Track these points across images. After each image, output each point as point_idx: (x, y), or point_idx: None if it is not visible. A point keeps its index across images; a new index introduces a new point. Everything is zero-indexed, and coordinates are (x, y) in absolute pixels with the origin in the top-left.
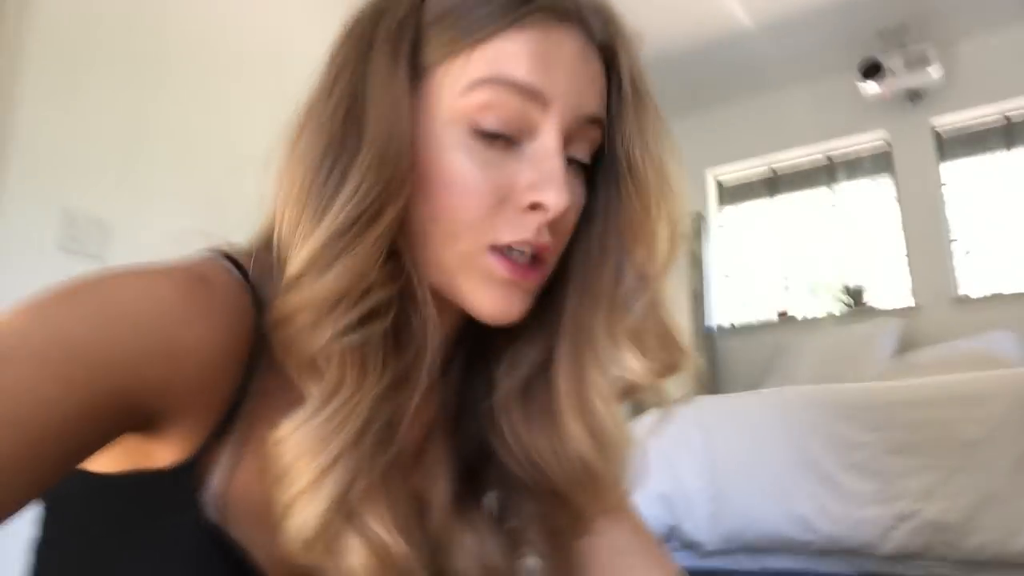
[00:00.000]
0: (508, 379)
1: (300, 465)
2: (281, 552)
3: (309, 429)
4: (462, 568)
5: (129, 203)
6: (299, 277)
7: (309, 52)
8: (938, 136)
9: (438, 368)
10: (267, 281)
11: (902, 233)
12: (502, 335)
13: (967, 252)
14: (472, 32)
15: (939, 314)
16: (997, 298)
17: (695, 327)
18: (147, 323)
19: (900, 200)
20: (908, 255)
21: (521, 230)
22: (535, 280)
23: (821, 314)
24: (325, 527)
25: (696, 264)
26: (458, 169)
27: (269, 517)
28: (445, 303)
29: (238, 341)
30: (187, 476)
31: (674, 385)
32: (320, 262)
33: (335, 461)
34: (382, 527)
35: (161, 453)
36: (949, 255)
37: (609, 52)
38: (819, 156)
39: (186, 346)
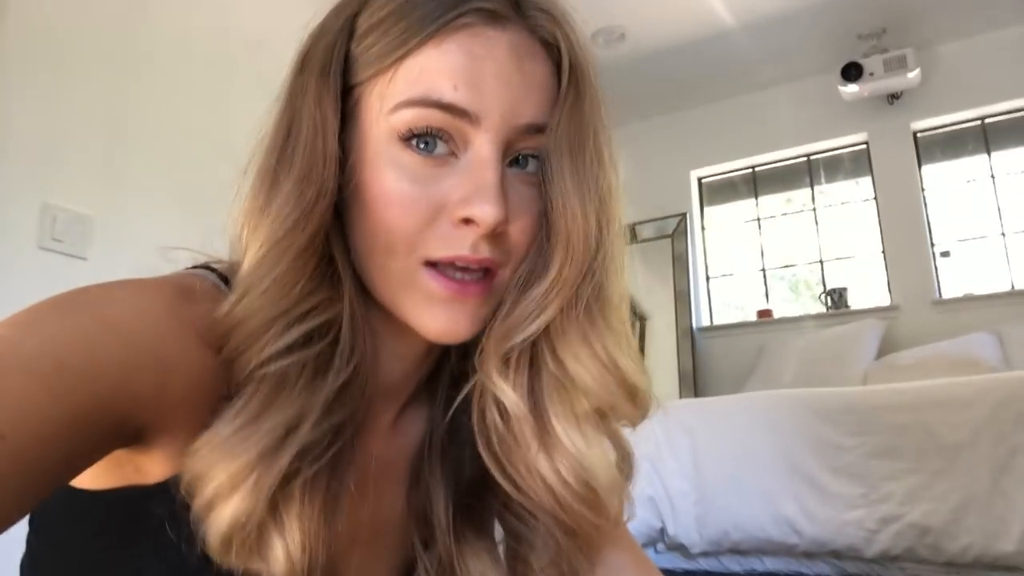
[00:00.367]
0: (479, 396)
1: (211, 474)
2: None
3: (218, 441)
4: None
5: (110, 199)
6: (240, 296)
7: (290, 46)
8: (917, 139)
9: (418, 385)
10: None
11: (881, 235)
12: (472, 355)
13: (945, 254)
14: (396, 49)
15: (919, 316)
16: (976, 300)
17: (680, 328)
18: (137, 336)
19: (879, 201)
20: (887, 257)
21: (454, 245)
22: (478, 296)
23: (802, 314)
24: (240, 529)
25: (681, 264)
26: (390, 185)
27: None
28: (403, 326)
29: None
30: (175, 491)
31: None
32: (253, 280)
33: (245, 475)
34: (298, 542)
35: (151, 468)
36: (929, 257)
37: (550, 48)
38: (800, 157)
39: (177, 359)
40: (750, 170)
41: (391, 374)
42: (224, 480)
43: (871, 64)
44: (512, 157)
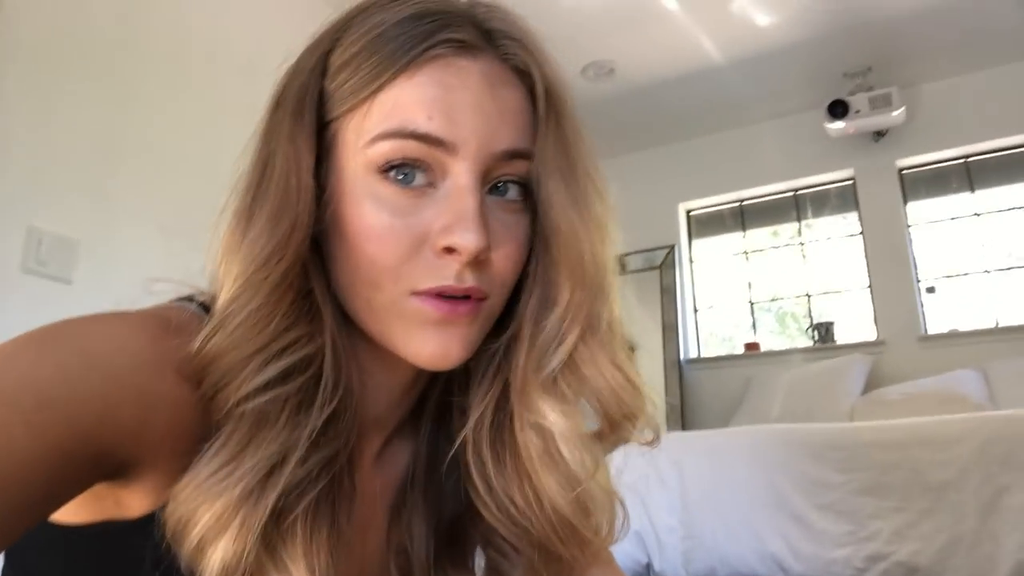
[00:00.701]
0: (471, 430)
1: (196, 516)
2: None
3: (199, 481)
4: None
5: (96, 223)
6: (213, 332)
7: (281, 70)
8: (902, 176)
9: (403, 418)
10: None
11: (867, 269)
12: (460, 384)
13: (931, 290)
14: (369, 83)
15: (905, 351)
16: (961, 336)
17: (668, 359)
18: (119, 370)
19: (865, 236)
20: (874, 292)
21: (439, 276)
22: (469, 316)
23: (789, 348)
24: (234, 572)
25: (669, 297)
26: (370, 219)
27: None
28: (395, 355)
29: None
30: (159, 525)
31: (642, 427)
32: (228, 315)
33: (231, 515)
34: None
35: (132, 502)
36: (915, 292)
37: (523, 76)
38: (787, 192)
39: (158, 393)
40: (738, 204)
41: (376, 406)
42: (210, 522)
43: (857, 102)
44: (491, 184)
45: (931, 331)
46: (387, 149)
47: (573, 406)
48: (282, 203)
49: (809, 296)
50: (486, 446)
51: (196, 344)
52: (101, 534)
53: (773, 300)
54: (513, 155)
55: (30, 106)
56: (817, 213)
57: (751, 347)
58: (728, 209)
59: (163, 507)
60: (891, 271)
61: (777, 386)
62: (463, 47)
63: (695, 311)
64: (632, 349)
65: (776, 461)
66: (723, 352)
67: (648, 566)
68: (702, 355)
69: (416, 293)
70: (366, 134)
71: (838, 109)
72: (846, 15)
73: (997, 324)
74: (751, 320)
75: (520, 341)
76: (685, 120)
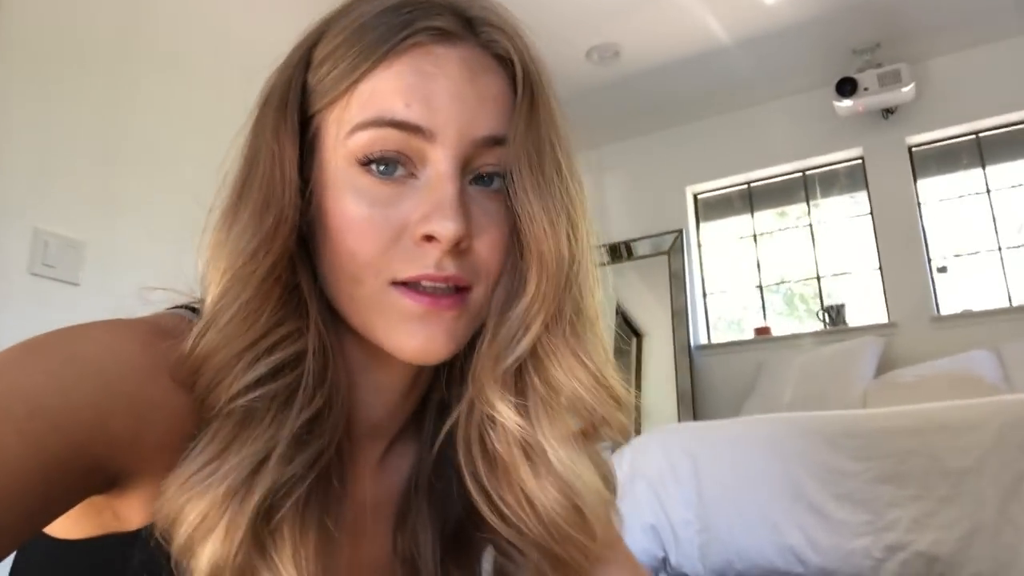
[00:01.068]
0: (461, 430)
1: (183, 514)
2: None
3: (184, 479)
4: None
5: (103, 225)
6: (202, 331)
7: (272, 68)
8: (912, 154)
9: (405, 422)
10: None
11: (877, 250)
12: (459, 382)
13: (942, 269)
14: (349, 74)
15: (918, 332)
16: (974, 316)
17: (678, 345)
18: (112, 378)
19: (875, 216)
20: (884, 273)
21: (418, 264)
22: (452, 310)
23: (800, 331)
24: (224, 572)
25: (677, 282)
26: (350, 211)
27: None
28: (386, 356)
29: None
30: (157, 537)
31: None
32: (217, 312)
33: (218, 514)
34: None
35: (130, 514)
36: (926, 272)
37: (504, 63)
38: (796, 172)
39: (152, 401)
40: (746, 186)
41: (374, 408)
42: (196, 521)
43: (865, 79)
44: (475, 175)
45: (943, 311)
46: (366, 139)
47: (540, 402)
48: (267, 198)
49: (819, 278)
50: (475, 445)
51: (188, 344)
52: (101, 548)
53: (782, 283)
54: (493, 141)
55: (34, 108)
56: (826, 193)
57: (762, 331)
58: (736, 192)
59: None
60: (902, 251)
61: (789, 371)
62: (442, 35)
63: (704, 296)
64: (640, 337)
65: (792, 451)
66: (732, 337)
67: (664, 560)
68: (712, 341)
69: (396, 284)
70: (345, 125)
71: (847, 87)
72: None
73: (1010, 303)
74: (760, 304)
75: (484, 333)
76: (692, 102)
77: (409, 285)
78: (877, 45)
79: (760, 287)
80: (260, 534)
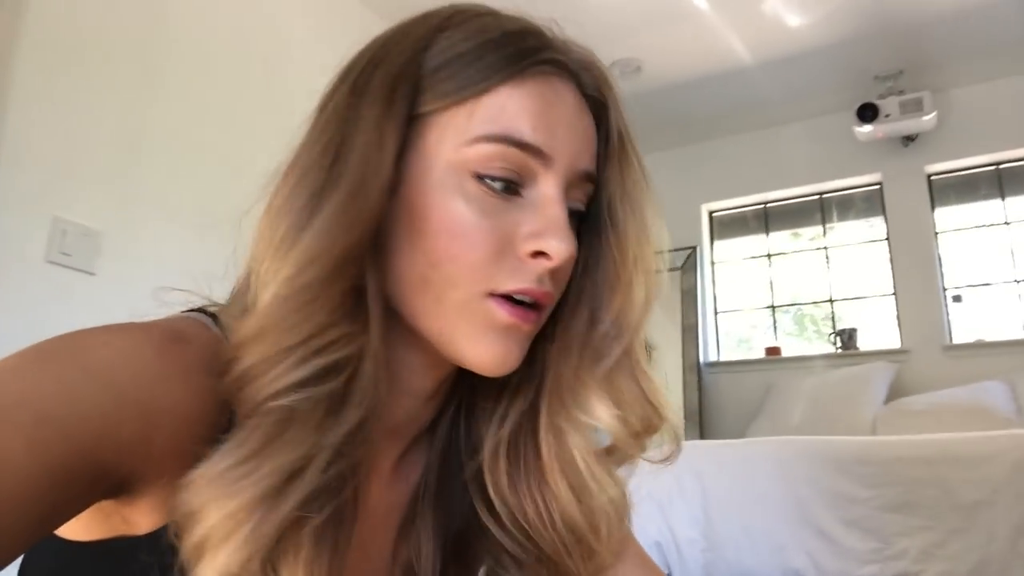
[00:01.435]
0: (493, 438)
1: (206, 512)
2: None
3: (213, 476)
4: None
5: (121, 215)
6: (257, 324)
7: (304, 61)
8: (931, 182)
9: (423, 429)
10: None
11: (892, 276)
12: (487, 392)
13: (957, 299)
14: (475, 84)
15: (929, 360)
16: (987, 347)
17: (687, 362)
18: (123, 384)
19: (891, 242)
20: (898, 299)
21: (522, 278)
22: (534, 325)
23: (811, 353)
24: None
25: (689, 298)
26: (459, 215)
27: None
28: (432, 360)
29: (216, 401)
30: (166, 542)
31: (655, 444)
32: (276, 303)
33: (244, 517)
34: None
35: (139, 519)
36: (940, 301)
37: (599, 106)
38: (813, 195)
39: (163, 407)
40: (762, 206)
41: (397, 414)
42: (218, 521)
43: (887, 105)
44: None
45: (956, 340)
46: (488, 152)
47: (618, 409)
48: (356, 191)
49: (832, 301)
50: (502, 457)
51: (240, 328)
52: (111, 551)
53: (794, 304)
54: (588, 177)
55: (55, 97)
56: (842, 217)
57: (772, 351)
58: (752, 211)
59: (169, 523)
60: (917, 278)
61: (798, 393)
62: (560, 67)
63: (716, 314)
64: (650, 351)
65: (801, 474)
66: (741, 355)
67: None
68: (722, 359)
69: (493, 294)
70: (468, 133)
71: (868, 112)
72: (878, 17)
73: None
74: (772, 324)
75: (569, 346)
76: (711, 120)
77: (505, 297)
78: (900, 72)
79: (772, 307)
80: (284, 544)
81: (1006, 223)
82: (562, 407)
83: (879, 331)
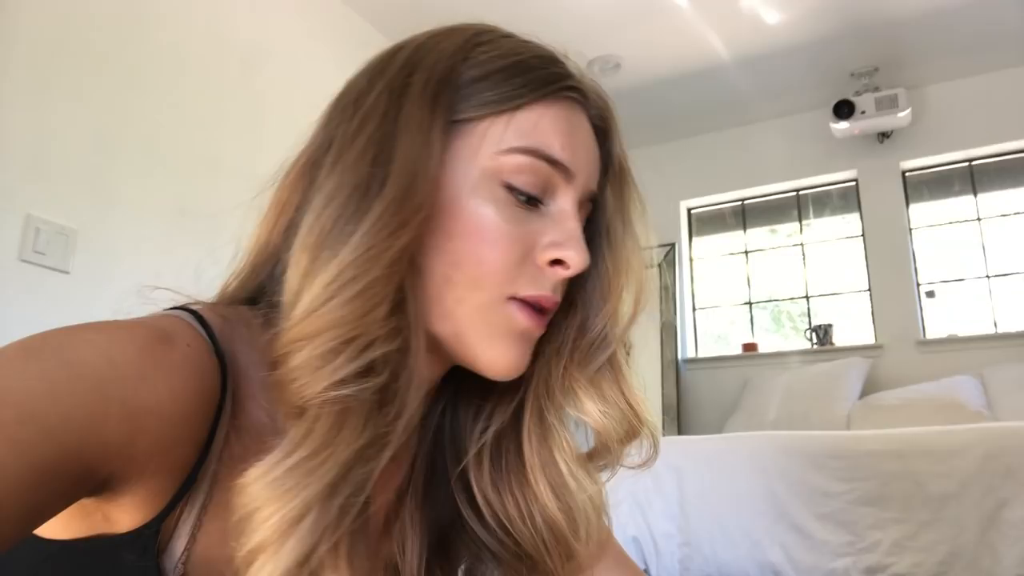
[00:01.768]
0: (478, 436)
1: (261, 516)
2: None
3: (272, 477)
4: None
5: (95, 213)
6: (305, 317)
7: (281, 60)
8: (905, 178)
9: (414, 428)
10: (236, 336)
11: (867, 272)
12: (473, 391)
13: (930, 294)
14: (512, 98)
15: (903, 355)
16: (959, 341)
17: (665, 358)
18: (106, 383)
19: (866, 238)
20: (873, 295)
21: (540, 285)
22: (542, 331)
23: (787, 349)
24: None
25: (667, 295)
26: (489, 220)
27: None
28: (434, 358)
29: (201, 401)
30: (148, 541)
31: (635, 448)
32: (330, 293)
33: (299, 518)
34: None
35: (120, 517)
36: (914, 296)
37: (602, 134)
38: (789, 192)
39: (146, 407)
40: (739, 203)
41: None
42: (278, 520)
43: (863, 102)
44: None
45: (930, 336)
46: (521, 162)
47: (592, 403)
48: (406, 192)
49: (808, 297)
50: (486, 456)
51: (289, 322)
52: (90, 550)
53: (771, 300)
54: (591, 197)
55: (30, 95)
56: (819, 214)
57: (749, 347)
58: (729, 208)
59: (154, 521)
60: (891, 274)
61: (774, 388)
62: (582, 95)
63: (694, 310)
64: (628, 348)
65: (776, 469)
66: (719, 351)
67: (645, 572)
68: (700, 355)
69: (514, 299)
70: (503, 143)
71: (844, 109)
72: (855, 15)
73: (996, 330)
74: (749, 320)
75: (558, 351)
76: (689, 117)
77: (525, 302)
78: (876, 69)
79: (749, 303)
80: (332, 538)
81: (978, 219)
82: (546, 409)
83: (854, 327)
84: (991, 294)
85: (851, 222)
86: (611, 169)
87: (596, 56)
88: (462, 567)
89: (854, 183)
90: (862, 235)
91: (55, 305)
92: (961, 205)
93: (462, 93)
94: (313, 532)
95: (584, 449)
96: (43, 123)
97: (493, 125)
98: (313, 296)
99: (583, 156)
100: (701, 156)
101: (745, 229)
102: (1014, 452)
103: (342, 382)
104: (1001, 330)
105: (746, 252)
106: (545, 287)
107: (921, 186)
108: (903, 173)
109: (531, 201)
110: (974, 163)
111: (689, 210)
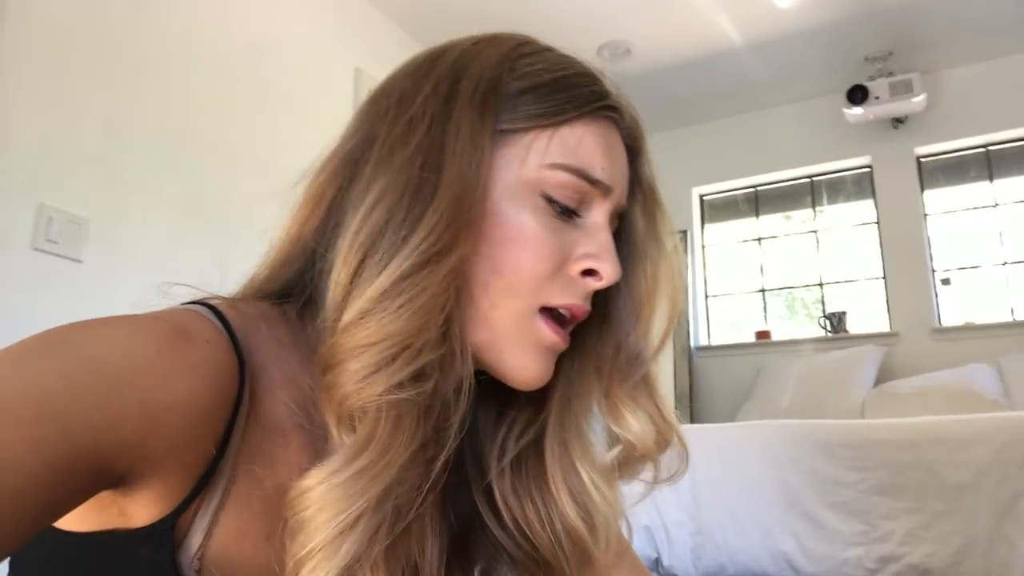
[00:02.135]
0: (500, 441)
1: (321, 519)
2: None
3: (338, 481)
4: None
5: (108, 202)
6: (360, 317)
7: (291, 49)
8: (920, 164)
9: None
10: (254, 332)
11: (882, 259)
12: (497, 397)
13: (946, 281)
14: (556, 114)
15: (918, 343)
16: (975, 329)
17: (678, 346)
18: (124, 381)
19: (880, 225)
20: (888, 282)
21: (572, 295)
22: (566, 344)
23: (801, 337)
24: None
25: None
26: (528, 228)
27: None
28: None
29: (220, 397)
30: (163, 536)
31: (663, 461)
32: (388, 301)
33: (357, 520)
34: None
35: (136, 512)
36: (929, 284)
37: (632, 153)
38: (803, 178)
39: (165, 404)
40: (752, 189)
41: None
42: (334, 524)
43: (877, 87)
44: None
45: (945, 323)
46: (564, 179)
47: (633, 418)
48: (459, 200)
49: (822, 284)
50: (507, 461)
51: (341, 324)
52: (104, 543)
53: (784, 288)
54: (621, 212)
55: (42, 84)
56: (832, 200)
57: (762, 335)
58: (742, 194)
59: (169, 517)
60: (906, 261)
61: (788, 376)
62: (619, 115)
63: (706, 297)
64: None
65: (789, 458)
66: (732, 339)
67: (657, 561)
68: (712, 343)
69: (544, 309)
70: (547, 157)
71: (858, 95)
72: None
73: (1013, 317)
74: (762, 307)
75: (586, 363)
76: (701, 103)
77: (553, 315)
78: (890, 54)
79: (762, 291)
80: (389, 538)
81: (995, 205)
82: (568, 419)
83: (868, 314)
84: (1008, 281)
85: (865, 208)
86: (639, 189)
87: (606, 41)
88: (478, 567)
89: (868, 169)
90: (876, 221)
91: (67, 293)
92: (977, 191)
93: (508, 104)
94: (364, 538)
95: (607, 458)
96: (56, 112)
97: (538, 138)
98: (368, 300)
99: (618, 174)
100: (713, 142)
101: (758, 215)
102: None
103: (400, 386)
104: (1018, 318)
105: (759, 239)
106: (577, 296)
107: (936, 172)
108: (918, 159)
109: (567, 212)
110: (991, 148)
111: (701, 196)
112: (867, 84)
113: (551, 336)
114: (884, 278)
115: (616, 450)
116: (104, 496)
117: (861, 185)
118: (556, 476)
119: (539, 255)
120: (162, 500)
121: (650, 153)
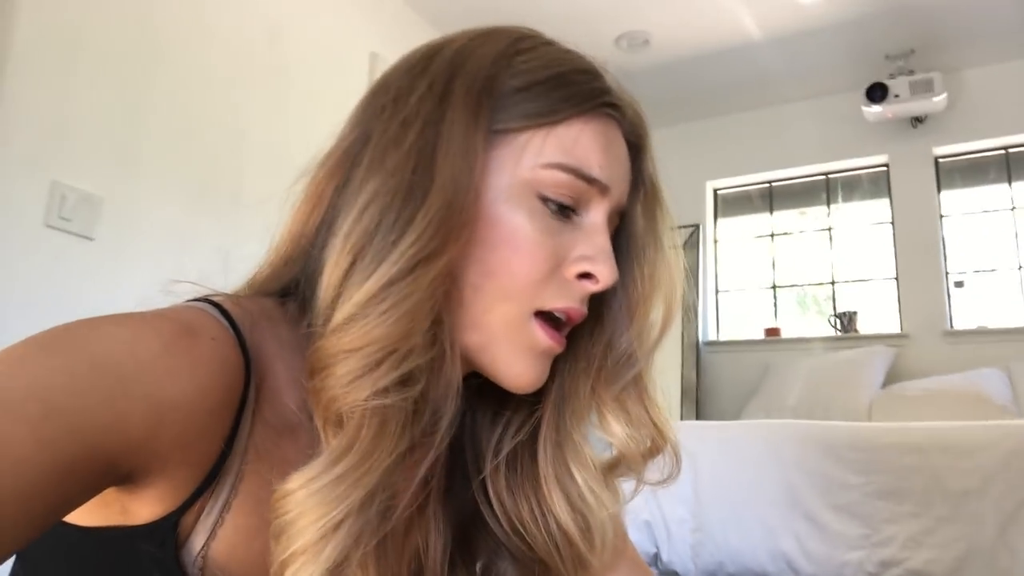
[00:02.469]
0: (495, 441)
1: (303, 522)
2: None
3: (318, 485)
4: None
5: (121, 181)
6: (347, 322)
7: (307, 31)
8: (938, 164)
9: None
10: (259, 329)
11: (895, 259)
12: (493, 398)
13: (959, 284)
14: (552, 112)
15: (929, 345)
16: (987, 333)
17: (686, 340)
18: (130, 379)
19: (895, 225)
20: (900, 283)
21: (567, 297)
22: (561, 347)
23: (810, 335)
24: None
25: (690, 276)
26: (523, 230)
27: None
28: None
29: (226, 395)
30: (165, 534)
31: (655, 465)
32: (374, 306)
33: (339, 524)
34: None
35: (139, 509)
36: (943, 286)
37: (635, 149)
38: (819, 175)
39: (170, 402)
40: (767, 184)
41: None
42: (317, 527)
43: (897, 86)
44: None
45: (957, 326)
46: (560, 179)
47: (628, 428)
48: (451, 202)
49: (834, 283)
50: (502, 460)
51: (329, 328)
52: (107, 539)
53: (796, 285)
54: (621, 211)
55: (56, 62)
56: (848, 198)
57: (771, 332)
58: (756, 189)
59: (174, 514)
60: (920, 262)
61: (796, 374)
62: (619, 111)
63: (716, 292)
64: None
65: (793, 458)
66: (740, 334)
67: (656, 556)
68: (721, 338)
69: (539, 313)
70: (542, 157)
71: (877, 93)
72: None
73: None
74: (772, 304)
75: (580, 364)
76: (718, 96)
77: (547, 319)
78: (911, 52)
79: (774, 287)
80: (372, 539)
81: (1012, 208)
82: (563, 422)
83: (880, 314)
84: (1023, 286)
85: (881, 208)
86: (641, 186)
87: (624, 32)
88: (480, 563)
89: (885, 168)
90: (891, 221)
91: (79, 271)
92: (995, 193)
93: (503, 103)
94: (347, 540)
95: (603, 459)
96: (70, 91)
97: (533, 138)
98: (355, 305)
99: (618, 172)
100: (729, 136)
101: (772, 211)
102: None
103: (385, 391)
104: None
105: (772, 235)
106: (573, 299)
107: (954, 173)
108: (936, 159)
109: (564, 212)
110: (1010, 151)
111: (715, 190)
112: (887, 82)
113: (546, 340)
114: (897, 278)
115: (610, 453)
116: (107, 493)
117: (877, 184)
118: (549, 478)
119: (534, 258)
120: (166, 498)
121: (654, 150)
